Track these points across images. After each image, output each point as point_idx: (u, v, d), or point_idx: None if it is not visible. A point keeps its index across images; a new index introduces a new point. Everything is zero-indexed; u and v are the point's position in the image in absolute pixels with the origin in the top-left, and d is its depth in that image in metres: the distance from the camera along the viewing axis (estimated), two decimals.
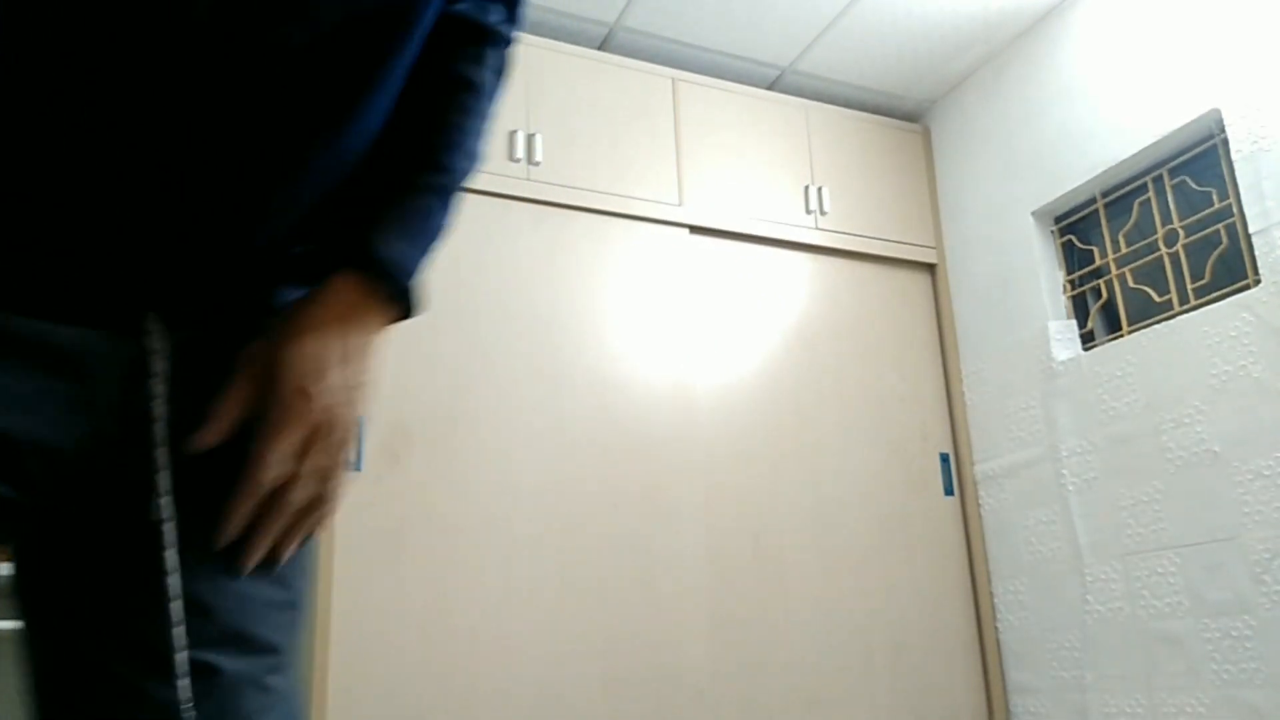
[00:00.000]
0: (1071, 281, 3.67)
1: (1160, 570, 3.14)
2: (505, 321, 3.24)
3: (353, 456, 0.99)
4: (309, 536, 0.98)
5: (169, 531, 0.89)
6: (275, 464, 0.92)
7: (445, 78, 1.08)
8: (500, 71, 1.15)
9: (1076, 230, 3.69)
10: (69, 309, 0.91)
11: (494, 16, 1.13)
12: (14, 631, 3.03)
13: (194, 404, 0.93)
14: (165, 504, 0.90)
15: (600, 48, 3.81)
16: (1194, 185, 3.29)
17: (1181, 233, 3.31)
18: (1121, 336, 3.40)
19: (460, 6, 1.10)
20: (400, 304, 0.99)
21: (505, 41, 1.15)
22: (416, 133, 1.05)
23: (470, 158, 1.09)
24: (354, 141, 0.98)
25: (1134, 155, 3.38)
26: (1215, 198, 3.20)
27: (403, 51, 0.99)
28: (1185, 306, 3.24)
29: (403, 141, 1.04)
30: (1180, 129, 3.25)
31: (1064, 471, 3.48)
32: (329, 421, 0.94)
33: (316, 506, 0.96)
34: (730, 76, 4.02)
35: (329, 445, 0.95)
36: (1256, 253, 2.97)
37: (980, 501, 3.82)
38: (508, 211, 3.34)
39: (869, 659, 3.48)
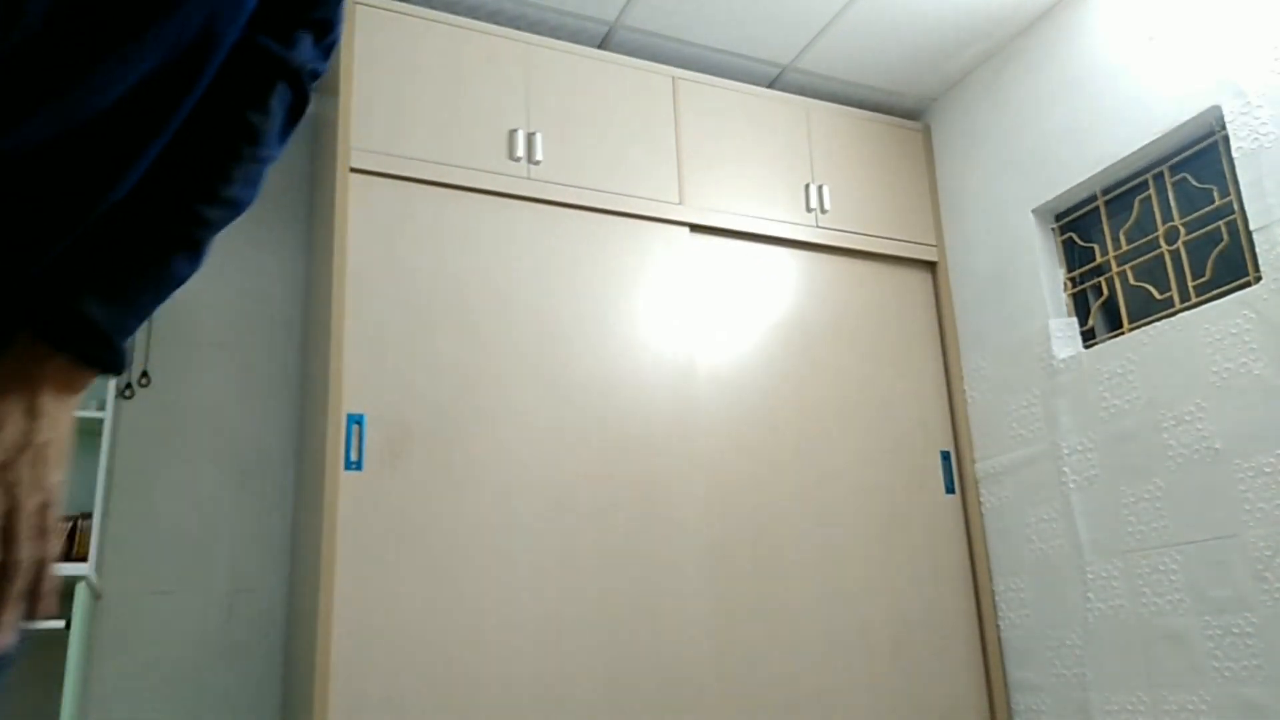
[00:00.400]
0: (1072, 279, 3.67)
1: (1161, 568, 3.14)
2: (505, 321, 3.24)
3: (54, 520, 0.90)
4: (30, 613, 0.90)
5: None
6: None
7: (224, 119, 1.01)
8: (296, 109, 1.07)
9: (1077, 228, 3.69)
10: None
11: (298, 51, 1.05)
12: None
13: None
14: None
15: (600, 46, 3.81)
16: (1195, 182, 3.29)
17: (1182, 230, 3.31)
18: (1122, 334, 3.40)
19: (263, 38, 1.02)
20: (94, 364, 0.93)
21: (309, 76, 1.07)
22: (178, 178, 0.99)
23: (234, 205, 1.02)
24: (104, 203, 0.94)
25: (1134, 152, 3.38)
26: (1216, 195, 3.20)
27: (164, 134, 0.94)
28: (1186, 304, 3.23)
29: (161, 187, 0.98)
30: (1181, 126, 3.24)
31: (1065, 469, 3.48)
32: (6, 478, 0.87)
33: (11, 575, 0.87)
34: (730, 75, 4.02)
35: (13, 503, 0.87)
36: (1257, 250, 2.97)
37: (981, 499, 3.82)
38: (508, 210, 3.34)
39: (870, 656, 3.48)
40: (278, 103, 1.04)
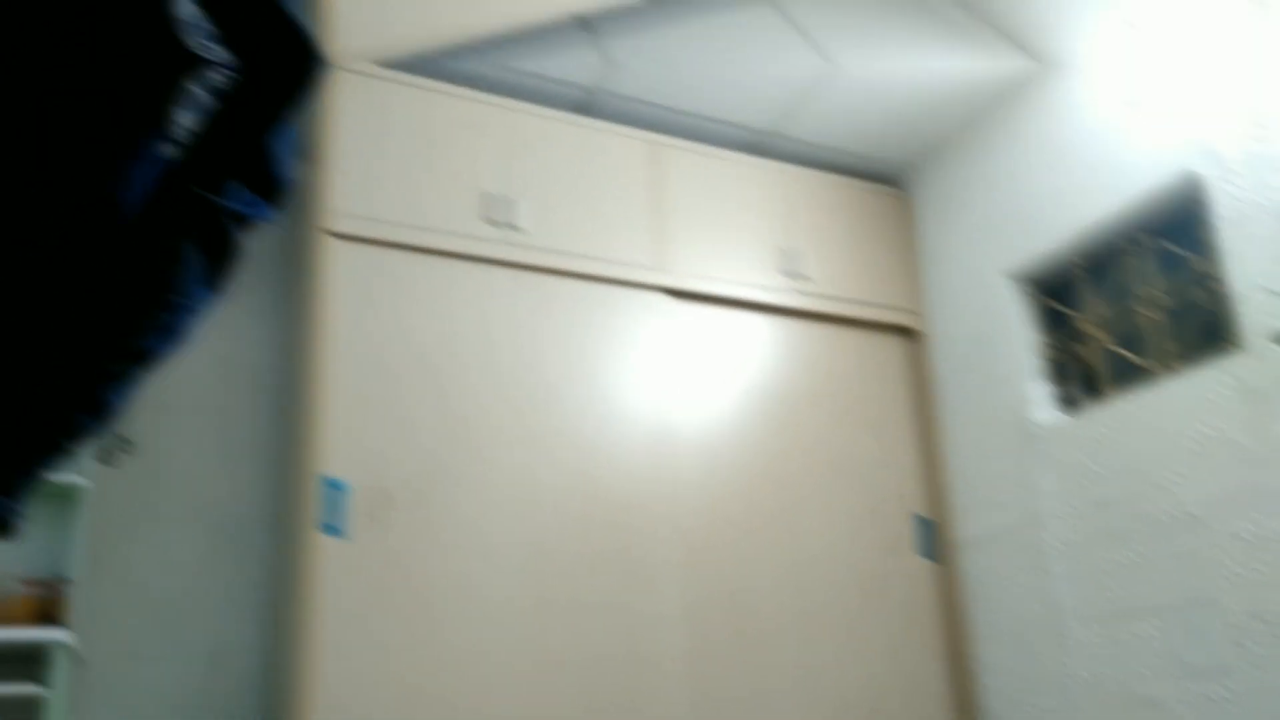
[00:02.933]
0: (1051, 345, 3.68)
1: (1141, 634, 3.12)
2: (485, 385, 3.24)
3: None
4: None
5: None
6: None
7: (131, 270, 0.95)
8: (223, 256, 1.02)
9: (1056, 293, 3.70)
10: None
11: (227, 198, 0.99)
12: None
13: None
14: None
15: (580, 112, 3.84)
16: (1175, 249, 3.30)
17: (1162, 296, 3.32)
18: (1101, 400, 3.40)
19: (192, 184, 0.96)
20: None
21: (237, 222, 1.01)
22: (81, 335, 0.94)
23: (142, 358, 0.98)
24: None
25: (1114, 218, 3.40)
26: (1196, 261, 3.21)
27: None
28: (1166, 370, 3.24)
29: (63, 344, 0.93)
30: (1161, 193, 3.26)
31: (1045, 535, 3.47)
32: None
33: None
34: (711, 140, 4.04)
35: None
36: (1237, 317, 2.98)
37: (961, 565, 3.80)
38: (487, 275, 3.35)
39: None
40: (192, 251, 0.99)
